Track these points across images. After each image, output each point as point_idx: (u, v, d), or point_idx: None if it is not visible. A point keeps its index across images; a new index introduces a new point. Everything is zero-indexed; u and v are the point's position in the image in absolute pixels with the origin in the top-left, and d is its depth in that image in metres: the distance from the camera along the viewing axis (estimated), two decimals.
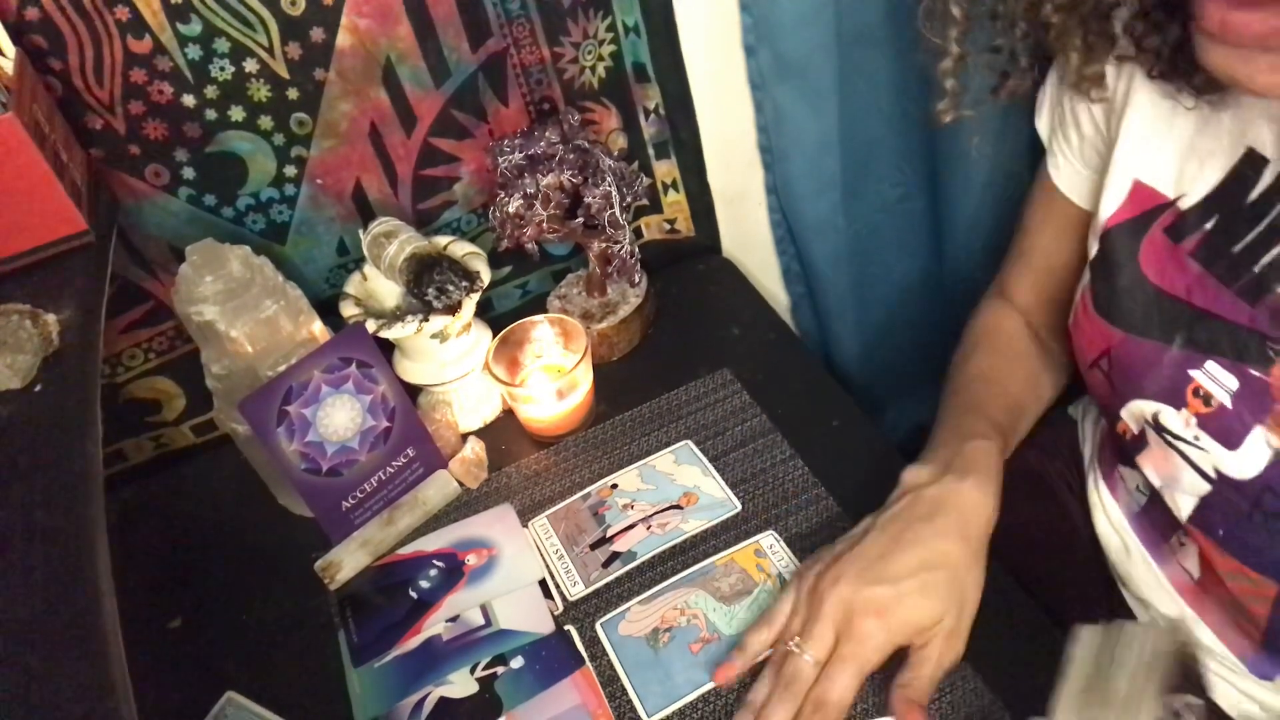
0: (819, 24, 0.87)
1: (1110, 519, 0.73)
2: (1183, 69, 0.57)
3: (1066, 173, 0.72)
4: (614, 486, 0.84)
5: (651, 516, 0.81)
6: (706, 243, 1.07)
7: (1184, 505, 0.62)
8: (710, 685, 0.68)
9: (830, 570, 0.65)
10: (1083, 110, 0.68)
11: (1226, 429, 0.57)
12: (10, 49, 0.68)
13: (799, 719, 0.61)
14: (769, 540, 0.77)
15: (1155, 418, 0.62)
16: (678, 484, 0.83)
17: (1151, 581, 0.70)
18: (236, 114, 0.80)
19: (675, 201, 1.04)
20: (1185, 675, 0.54)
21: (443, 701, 0.71)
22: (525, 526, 0.82)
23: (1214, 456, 0.58)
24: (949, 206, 1.01)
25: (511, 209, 0.87)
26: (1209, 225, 0.58)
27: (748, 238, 1.08)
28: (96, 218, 0.71)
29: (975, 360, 0.79)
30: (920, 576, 0.62)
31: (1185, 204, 0.60)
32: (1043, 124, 0.74)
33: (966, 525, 0.65)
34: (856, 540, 0.66)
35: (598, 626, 0.74)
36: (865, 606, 0.62)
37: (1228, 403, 0.57)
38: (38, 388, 0.62)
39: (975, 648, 0.63)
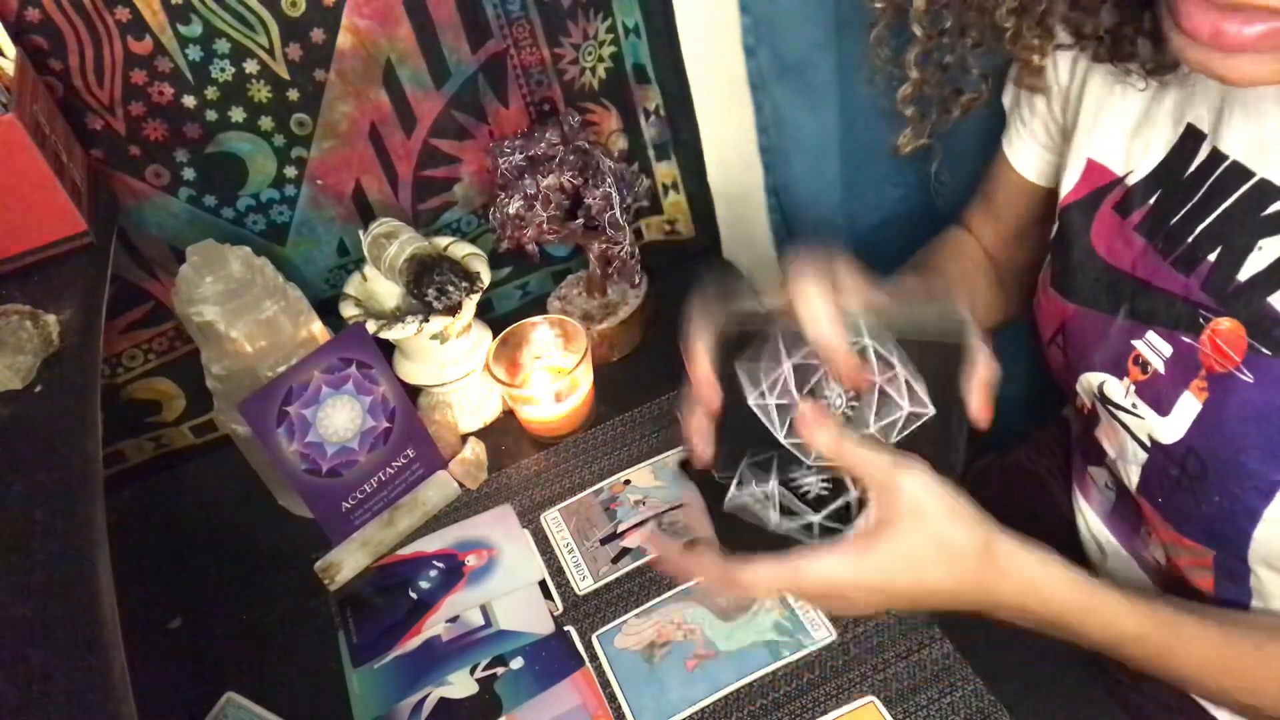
0: (818, 24, 0.87)
1: (1089, 525, 0.74)
2: (1127, 52, 0.59)
3: (1016, 145, 0.74)
4: (627, 482, 0.84)
5: (663, 514, 0.81)
6: (707, 244, 1.07)
7: (1132, 476, 0.63)
8: (704, 703, 0.68)
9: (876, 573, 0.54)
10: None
11: (1159, 395, 0.58)
12: (10, 49, 0.68)
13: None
14: None
15: (1101, 389, 0.63)
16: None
17: (1132, 578, 0.70)
18: (237, 115, 0.81)
19: (675, 202, 1.04)
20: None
21: (442, 702, 0.71)
22: (525, 527, 0.82)
23: (1149, 424, 0.59)
24: (949, 206, 1.01)
25: (512, 210, 0.87)
26: (1152, 200, 0.61)
27: (748, 239, 1.08)
28: (96, 218, 0.72)
29: (930, 255, 0.82)
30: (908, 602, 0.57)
31: (1132, 180, 0.62)
32: (1008, 97, 0.76)
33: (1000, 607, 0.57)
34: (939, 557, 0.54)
35: (594, 639, 0.73)
36: (841, 603, 0.57)
37: (1161, 369, 0.58)
38: (38, 388, 0.62)
39: (975, 648, 0.63)
